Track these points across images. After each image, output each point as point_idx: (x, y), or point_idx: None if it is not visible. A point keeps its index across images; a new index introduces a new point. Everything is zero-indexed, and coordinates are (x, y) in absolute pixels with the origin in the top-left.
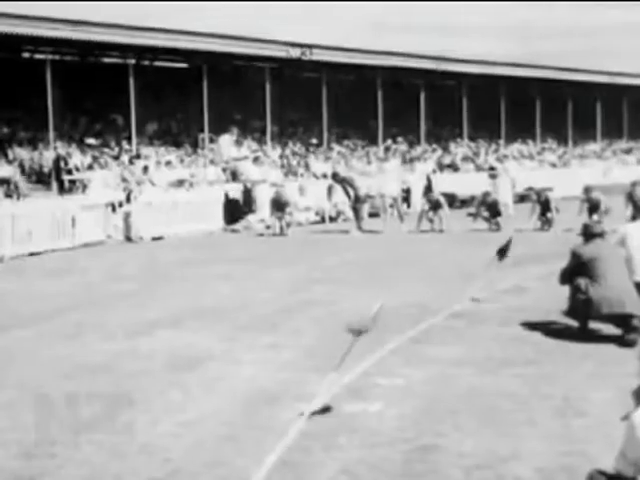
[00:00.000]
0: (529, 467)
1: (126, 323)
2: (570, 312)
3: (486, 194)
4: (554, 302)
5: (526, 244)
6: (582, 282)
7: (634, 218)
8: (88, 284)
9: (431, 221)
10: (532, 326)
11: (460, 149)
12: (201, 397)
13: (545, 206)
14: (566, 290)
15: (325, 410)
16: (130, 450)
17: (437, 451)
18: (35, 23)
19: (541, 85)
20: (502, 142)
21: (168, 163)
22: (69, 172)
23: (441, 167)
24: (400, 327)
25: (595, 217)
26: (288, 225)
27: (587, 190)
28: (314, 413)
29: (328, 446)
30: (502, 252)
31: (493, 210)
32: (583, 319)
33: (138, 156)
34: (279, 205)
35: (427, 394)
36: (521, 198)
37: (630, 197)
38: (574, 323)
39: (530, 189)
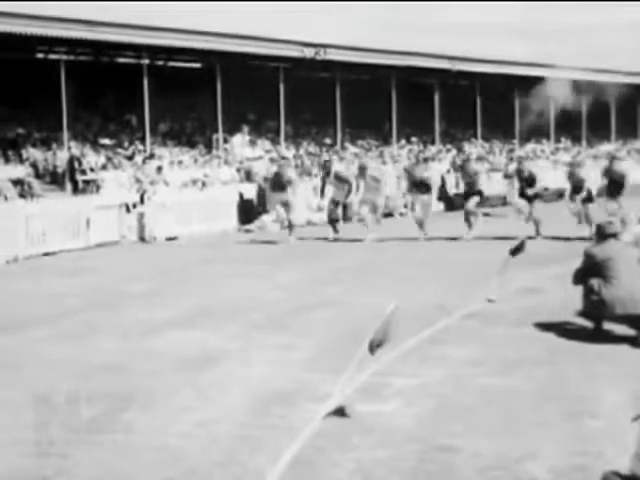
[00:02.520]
0: (543, 467)
1: (139, 323)
2: (584, 313)
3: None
4: (568, 303)
5: (540, 244)
6: (595, 283)
7: (610, 193)
8: (101, 284)
9: None
10: (546, 326)
11: (474, 149)
12: (215, 397)
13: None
14: (580, 290)
15: (339, 410)
16: (144, 449)
17: (451, 451)
18: (49, 23)
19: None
20: (516, 142)
21: (180, 162)
22: (83, 172)
23: (455, 167)
24: (414, 327)
25: (530, 191)
26: (291, 227)
27: (520, 161)
28: (329, 413)
29: (342, 446)
30: (516, 252)
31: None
32: (597, 320)
33: (152, 156)
34: (280, 185)
35: (441, 394)
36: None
37: (607, 172)
38: (588, 324)
39: (546, 189)
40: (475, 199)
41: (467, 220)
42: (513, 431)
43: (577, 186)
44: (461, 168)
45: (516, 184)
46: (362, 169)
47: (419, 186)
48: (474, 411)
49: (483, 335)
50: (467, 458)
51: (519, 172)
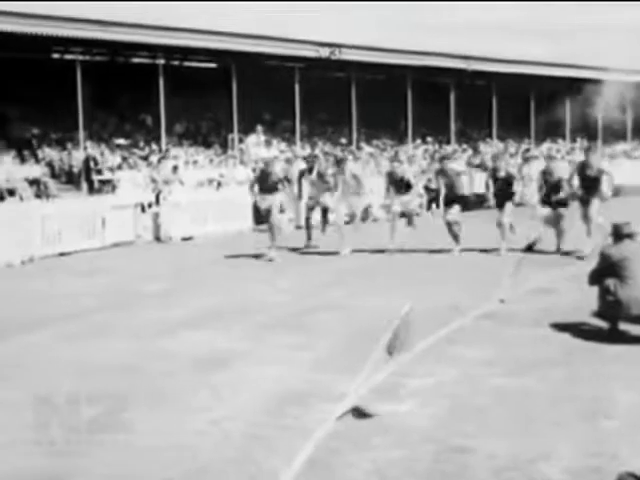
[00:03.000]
0: (558, 468)
1: (153, 323)
2: (599, 313)
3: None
4: (584, 303)
5: (555, 244)
6: (611, 283)
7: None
8: (116, 284)
9: None
10: (561, 327)
11: (490, 149)
12: (228, 396)
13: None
14: (596, 291)
15: (354, 410)
16: (158, 449)
17: (466, 452)
18: (65, 24)
19: (571, 84)
20: (532, 141)
21: (195, 162)
22: (99, 172)
23: (471, 167)
24: (429, 328)
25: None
26: (273, 235)
27: (495, 159)
28: (344, 413)
29: (358, 446)
30: (529, 249)
31: None
32: (613, 320)
33: (166, 152)
34: (267, 186)
35: (456, 394)
36: None
37: (581, 169)
38: (604, 324)
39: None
40: (456, 208)
41: (451, 232)
42: (528, 432)
43: (553, 187)
44: (440, 170)
45: (518, 188)
46: (341, 163)
47: (399, 186)
48: (489, 411)
49: (498, 335)
50: (482, 459)
51: (494, 171)
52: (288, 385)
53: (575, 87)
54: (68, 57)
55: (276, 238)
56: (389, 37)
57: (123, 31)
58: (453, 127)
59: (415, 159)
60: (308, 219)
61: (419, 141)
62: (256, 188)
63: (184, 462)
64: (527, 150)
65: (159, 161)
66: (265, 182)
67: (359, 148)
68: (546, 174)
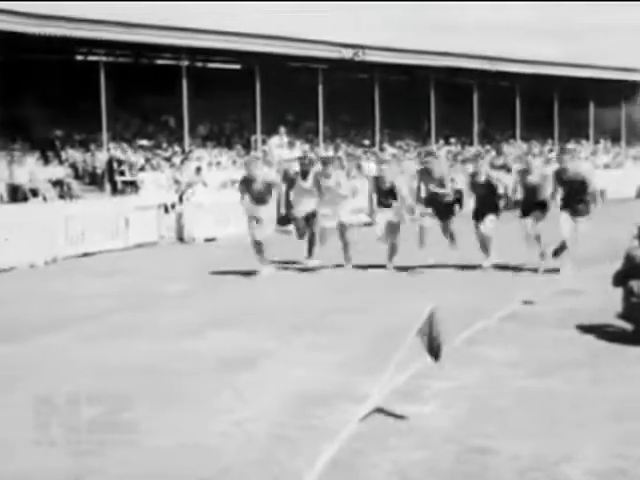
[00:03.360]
0: (582, 470)
1: (175, 324)
2: (624, 315)
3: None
4: (609, 304)
5: (579, 245)
6: (635, 285)
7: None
8: (139, 285)
9: None
10: (586, 328)
11: (513, 150)
12: (251, 397)
13: None
14: (620, 292)
15: (378, 411)
16: (180, 449)
17: (489, 453)
18: (89, 26)
19: (594, 85)
20: (555, 143)
21: (219, 164)
22: (122, 173)
23: (494, 168)
24: (452, 329)
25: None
26: (260, 251)
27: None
28: (367, 414)
29: (380, 447)
30: (557, 253)
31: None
32: (637, 322)
33: (189, 153)
34: (252, 191)
35: (480, 396)
36: None
37: (559, 175)
38: (628, 326)
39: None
40: (492, 219)
41: (483, 244)
42: (552, 433)
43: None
44: (425, 170)
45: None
46: (326, 163)
47: (385, 194)
48: (512, 413)
49: (522, 337)
50: (505, 460)
51: (473, 177)
52: (312, 386)
53: (601, 88)
54: (92, 58)
55: (264, 256)
56: (412, 38)
57: (147, 33)
58: (476, 128)
59: (403, 162)
60: (299, 229)
61: (442, 142)
62: (247, 197)
63: (207, 463)
64: (550, 151)
65: (182, 162)
66: (250, 189)
67: (382, 149)
68: (473, 176)
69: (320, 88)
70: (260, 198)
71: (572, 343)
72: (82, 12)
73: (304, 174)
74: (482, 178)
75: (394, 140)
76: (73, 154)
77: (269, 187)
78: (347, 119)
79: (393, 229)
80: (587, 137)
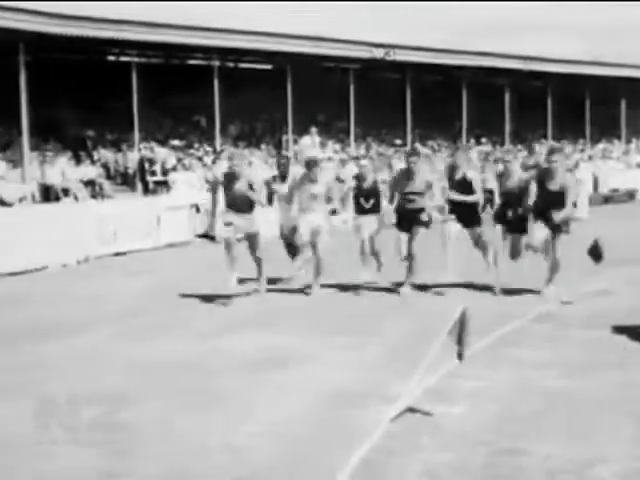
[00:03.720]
0: (614, 471)
1: (208, 323)
2: None
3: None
4: (639, 305)
5: (613, 246)
6: None
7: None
8: (171, 284)
9: None
10: (619, 330)
11: (544, 150)
12: (285, 397)
13: None
14: None
15: (409, 411)
16: (214, 449)
17: (520, 454)
18: (120, 26)
19: (627, 84)
20: (587, 142)
21: (250, 164)
22: (153, 173)
23: (526, 168)
24: (484, 329)
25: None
26: (260, 271)
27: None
28: (398, 414)
29: (411, 447)
30: (593, 253)
31: None
32: None
33: (219, 157)
34: (236, 202)
35: (511, 397)
36: (605, 200)
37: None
38: None
39: (615, 190)
40: (542, 230)
41: (483, 250)
42: (582, 434)
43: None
44: (405, 172)
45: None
46: (311, 164)
47: (367, 197)
48: (543, 414)
49: (553, 337)
50: (536, 461)
51: (451, 170)
52: (344, 386)
53: (633, 87)
54: (123, 59)
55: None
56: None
57: (178, 33)
58: (508, 128)
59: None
60: (290, 244)
61: (473, 141)
62: (219, 205)
63: (240, 463)
64: (582, 150)
65: (214, 162)
66: (231, 188)
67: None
68: (451, 169)
69: (352, 88)
70: (241, 202)
71: (603, 344)
72: (114, 13)
73: (282, 177)
74: (460, 174)
75: (425, 140)
76: (105, 154)
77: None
78: (379, 119)
79: (375, 240)
80: (619, 137)
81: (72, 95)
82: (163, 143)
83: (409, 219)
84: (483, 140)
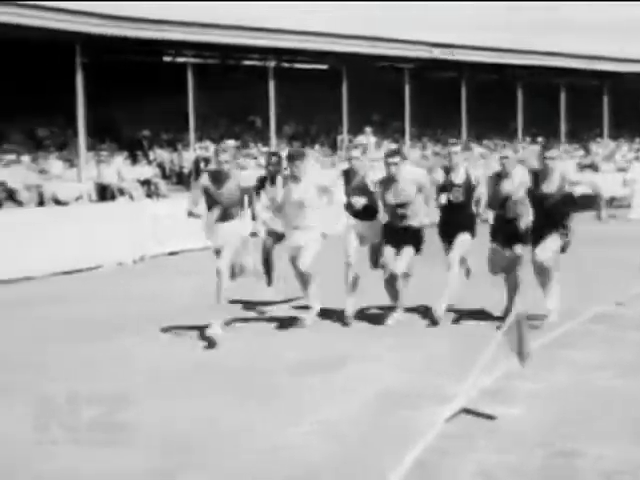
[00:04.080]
0: None
1: (259, 322)
2: None
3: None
4: None
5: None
6: None
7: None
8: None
9: None
10: None
11: (601, 149)
12: (338, 398)
13: None
14: None
15: (464, 412)
16: (266, 449)
17: (576, 456)
18: (177, 28)
19: None
20: None
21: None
22: None
23: (581, 167)
24: (540, 330)
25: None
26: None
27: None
28: (453, 415)
29: (466, 448)
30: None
31: None
32: None
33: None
34: (227, 204)
35: (567, 398)
36: None
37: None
38: None
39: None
40: (554, 240)
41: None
42: (638, 435)
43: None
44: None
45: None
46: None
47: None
48: (598, 415)
49: (608, 339)
50: (591, 462)
51: (447, 171)
52: (398, 386)
53: None
54: (179, 60)
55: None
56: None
57: (234, 34)
58: (563, 127)
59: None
60: (267, 259)
61: (529, 140)
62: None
63: (292, 462)
64: (638, 150)
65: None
66: (216, 192)
67: (469, 148)
68: (447, 170)
69: (407, 87)
70: (229, 209)
71: None
72: (170, 14)
73: (271, 179)
74: (458, 178)
75: (481, 139)
76: (161, 154)
77: (243, 194)
78: (434, 118)
79: (372, 250)
80: None
81: (128, 95)
82: (218, 143)
83: (398, 239)
84: (539, 139)
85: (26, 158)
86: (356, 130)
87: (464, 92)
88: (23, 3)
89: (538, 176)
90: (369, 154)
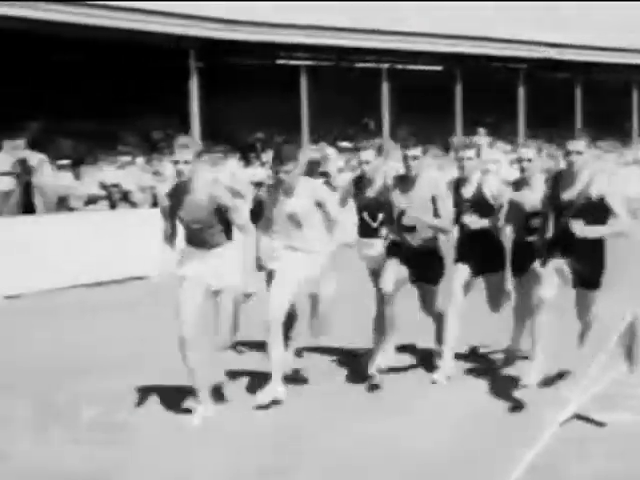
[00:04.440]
0: None
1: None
2: None
3: None
4: None
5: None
6: None
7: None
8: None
9: None
10: None
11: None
12: (450, 398)
13: None
14: None
15: (577, 417)
16: (377, 443)
17: None
18: (290, 30)
19: None
20: None
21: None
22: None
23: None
24: None
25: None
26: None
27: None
28: (566, 420)
29: (579, 454)
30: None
31: None
32: None
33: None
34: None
35: None
36: None
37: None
38: None
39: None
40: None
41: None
42: None
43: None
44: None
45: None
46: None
47: (373, 213)
48: None
49: None
50: None
51: (457, 185)
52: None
53: None
54: (293, 62)
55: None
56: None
57: (348, 36)
58: None
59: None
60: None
61: None
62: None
63: (404, 459)
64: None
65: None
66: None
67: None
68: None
69: (520, 89)
70: (203, 239)
71: None
72: (283, 18)
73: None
74: (472, 192)
75: (595, 140)
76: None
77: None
78: (547, 119)
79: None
80: None
81: (242, 98)
82: (332, 144)
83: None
84: None
85: (140, 160)
86: (470, 132)
87: (578, 92)
88: (145, 9)
89: (558, 178)
90: (483, 155)
